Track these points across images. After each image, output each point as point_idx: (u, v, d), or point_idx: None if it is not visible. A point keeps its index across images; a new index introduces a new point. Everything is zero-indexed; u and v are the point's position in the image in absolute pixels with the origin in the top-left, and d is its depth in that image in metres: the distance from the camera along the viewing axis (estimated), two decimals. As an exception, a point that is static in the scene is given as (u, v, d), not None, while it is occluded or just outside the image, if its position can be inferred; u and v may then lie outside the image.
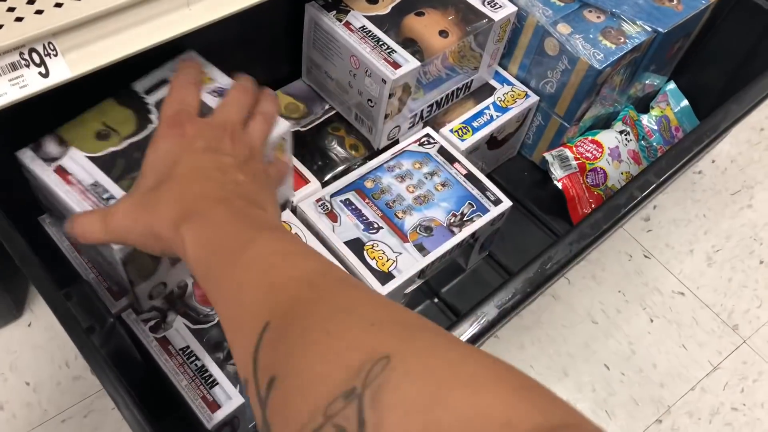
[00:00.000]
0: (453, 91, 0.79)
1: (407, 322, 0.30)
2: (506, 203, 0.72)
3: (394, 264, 0.65)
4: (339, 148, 0.77)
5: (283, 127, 0.60)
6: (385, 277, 0.64)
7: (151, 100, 0.60)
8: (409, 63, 0.67)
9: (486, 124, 0.80)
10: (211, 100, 0.61)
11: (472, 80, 0.80)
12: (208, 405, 0.55)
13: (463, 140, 0.78)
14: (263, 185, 0.47)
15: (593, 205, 0.88)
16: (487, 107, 0.81)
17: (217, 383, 0.56)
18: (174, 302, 0.60)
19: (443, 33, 0.72)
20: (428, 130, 0.78)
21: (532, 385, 0.26)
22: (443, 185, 0.72)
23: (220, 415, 0.55)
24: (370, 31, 0.69)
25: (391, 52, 0.68)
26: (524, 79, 0.85)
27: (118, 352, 0.58)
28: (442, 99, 0.78)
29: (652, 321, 0.94)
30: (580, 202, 0.88)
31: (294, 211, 0.69)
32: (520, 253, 0.82)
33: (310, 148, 0.76)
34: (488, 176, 0.90)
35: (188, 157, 0.45)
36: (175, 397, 0.56)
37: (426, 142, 0.75)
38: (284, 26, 0.78)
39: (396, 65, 0.67)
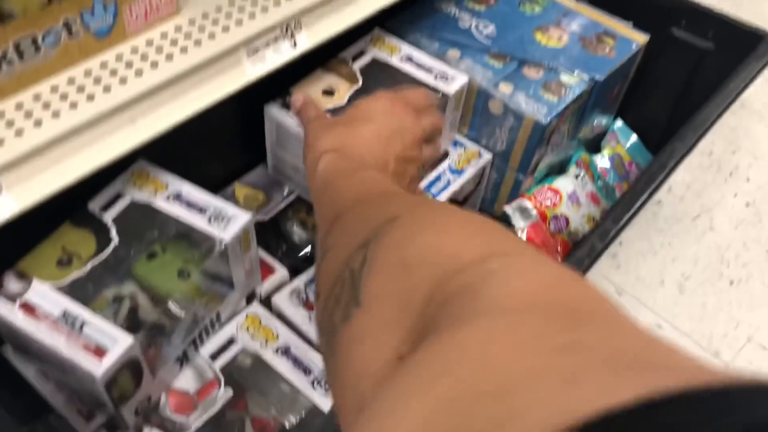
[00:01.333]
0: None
1: (427, 200, 0.40)
2: None
3: None
4: (301, 231, 0.77)
5: (244, 219, 0.61)
6: None
7: (108, 217, 0.60)
8: None
9: (444, 188, 0.81)
10: (168, 206, 0.61)
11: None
12: None
13: (422, 208, 0.79)
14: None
15: (560, 251, 0.89)
16: (443, 172, 0.83)
17: (202, 496, 0.55)
18: (148, 415, 0.59)
19: None
20: None
21: (495, 228, 0.32)
22: None
23: None
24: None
25: None
26: (475, 137, 0.87)
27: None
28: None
29: None
30: (547, 250, 0.89)
31: (269, 306, 0.69)
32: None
33: (273, 234, 0.77)
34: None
35: (389, 125, 0.57)
36: None
37: None
38: (236, 120, 0.80)
39: None
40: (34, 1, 0.49)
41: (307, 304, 0.67)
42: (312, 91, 0.73)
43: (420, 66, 0.78)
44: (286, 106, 0.71)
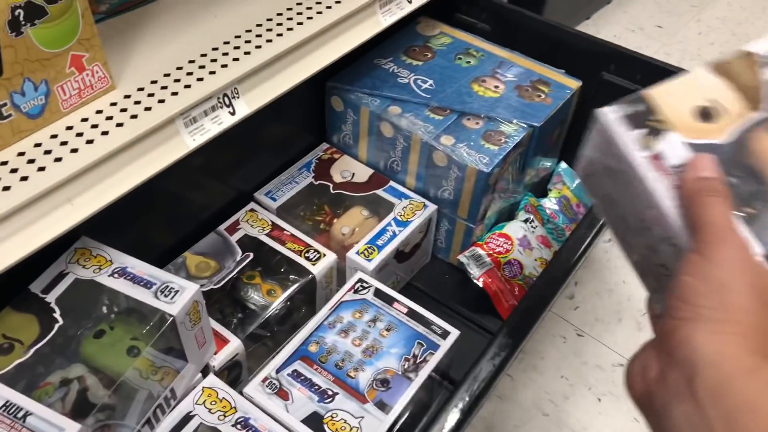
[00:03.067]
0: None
1: None
2: (454, 333, 0.71)
3: (359, 430, 0.62)
4: (256, 297, 0.76)
5: (191, 291, 0.60)
6: None
7: (51, 298, 0.59)
8: None
9: (390, 240, 0.81)
10: (113, 282, 0.60)
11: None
12: None
13: (369, 260, 0.79)
14: None
15: (517, 296, 0.90)
16: (389, 224, 0.83)
17: None
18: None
19: None
20: (360, 275, 0.77)
21: None
22: (388, 330, 0.71)
23: None
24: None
25: None
26: (423, 189, 0.88)
27: None
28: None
29: (599, 400, 0.94)
30: (503, 296, 0.90)
31: (240, 376, 0.67)
32: (459, 358, 0.81)
33: (226, 302, 0.75)
34: (409, 285, 0.92)
35: None
36: None
37: (360, 288, 0.75)
38: (183, 188, 0.79)
39: None
40: (-38, 86, 0.49)
41: (280, 393, 0.65)
42: (681, 102, 0.43)
43: None
44: (634, 122, 0.42)
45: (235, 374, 0.72)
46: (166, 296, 0.59)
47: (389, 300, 0.74)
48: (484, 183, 0.80)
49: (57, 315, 0.58)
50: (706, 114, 0.43)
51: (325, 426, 0.62)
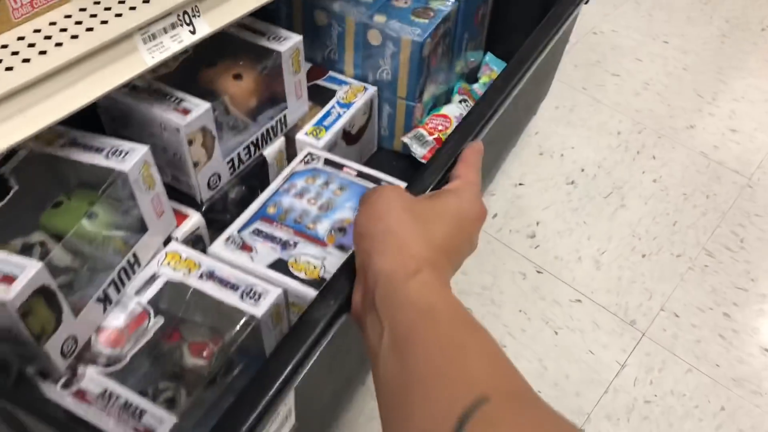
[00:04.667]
0: (268, 130, 0.80)
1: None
2: (403, 185, 0.74)
3: (323, 268, 0.65)
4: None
5: (142, 150, 0.61)
6: (318, 283, 0.64)
7: (5, 170, 0.59)
8: (200, 107, 0.68)
9: (336, 119, 0.84)
10: (67, 152, 0.61)
11: (284, 115, 0.81)
12: (144, 435, 0.53)
13: (319, 139, 0.81)
14: None
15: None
16: (333, 106, 0.86)
17: (145, 412, 0.54)
18: (81, 355, 0.58)
19: (237, 77, 0.74)
20: (308, 148, 0.79)
21: None
22: (341, 189, 0.73)
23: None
24: (157, 89, 0.70)
25: (180, 101, 0.69)
26: (362, 76, 0.91)
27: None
28: (258, 139, 0.78)
29: (556, 333, 0.97)
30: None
31: (204, 251, 0.69)
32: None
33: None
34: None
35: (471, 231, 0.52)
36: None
37: (310, 159, 0.77)
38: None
39: (186, 111, 0.68)
40: None
41: (244, 247, 0.67)
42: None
43: (254, 30, 0.77)
44: None
45: (198, 249, 0.74)
46: (117, 156, 0.60)
47: (338, 166, 0.76)
48: (419, 54, 0.84)
49: (12, 183, 0.58)
50: None
51: (291, 268, 0.65)
